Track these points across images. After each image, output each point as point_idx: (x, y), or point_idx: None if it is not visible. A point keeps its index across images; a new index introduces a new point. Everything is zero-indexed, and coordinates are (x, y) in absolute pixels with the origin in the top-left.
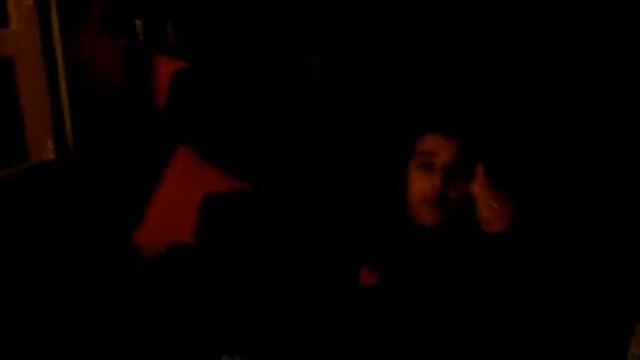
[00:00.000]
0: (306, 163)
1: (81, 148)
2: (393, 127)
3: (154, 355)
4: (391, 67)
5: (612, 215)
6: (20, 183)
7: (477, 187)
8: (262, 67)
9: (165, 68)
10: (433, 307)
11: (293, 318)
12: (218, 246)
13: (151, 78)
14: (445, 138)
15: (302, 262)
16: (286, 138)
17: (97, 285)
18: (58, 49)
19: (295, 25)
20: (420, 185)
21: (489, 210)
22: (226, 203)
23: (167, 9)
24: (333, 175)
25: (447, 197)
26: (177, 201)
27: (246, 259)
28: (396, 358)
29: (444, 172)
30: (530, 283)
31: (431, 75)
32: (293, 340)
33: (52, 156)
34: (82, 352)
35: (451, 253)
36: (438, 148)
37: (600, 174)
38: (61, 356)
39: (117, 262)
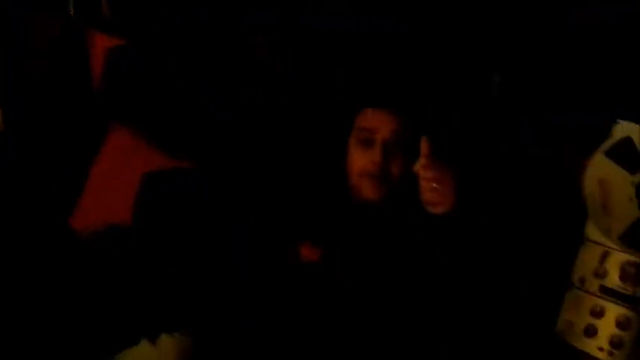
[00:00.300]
0: (245, 140)
1: (12, 128)
2: (332, 102)
3: (93, 335)
4: (332, 43)
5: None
6: None
7: (419, 167)
8: (202, 43)
9: (100, 45)
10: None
11: (239, 294)
12: (157, 225)
13: (85, 55)
14: (385, 113)
15: (243, 237)
16: (225, 115)
17: (35, 268)
18: None
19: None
20: (361, 161)
21: (431, 192)
22: (165, 181)
23: None
24: (273, 151)
25: (389, 172)
26: (114, 181)
27: (185, 236)
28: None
29: (385, 147)
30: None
31: (372, 51)
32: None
33: None
34: (23, 336)
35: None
36: (378, 123)
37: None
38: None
39: (54, 245)
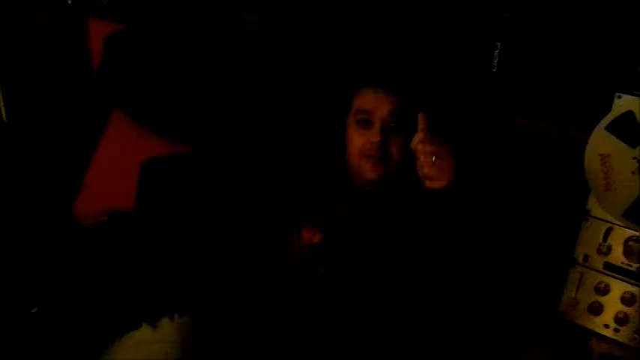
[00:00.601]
0: (243, 124)
1: (14, 118)
2: (329, 85)
3: (95, 319)
4: (327, 24)
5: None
6: None
7: (417, 142)
8: (197, 27)
9: (99, 32)
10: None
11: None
12: (158, 210)
13: (84, 42)
14: (383, 94)
15: (244, 222)
16: (222, 98)
17: (38, 254)
18: None
19: None
20: (360, 142)
21: (430, 166)
22: (164, 167)
23: None
24: (273, 135)
25: (388, 152)
26: (115, 167)
27: (185, 221)
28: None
29: (383, 127)
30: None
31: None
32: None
33: None
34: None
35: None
36: (376, 104)
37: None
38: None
39: (56, 232)
